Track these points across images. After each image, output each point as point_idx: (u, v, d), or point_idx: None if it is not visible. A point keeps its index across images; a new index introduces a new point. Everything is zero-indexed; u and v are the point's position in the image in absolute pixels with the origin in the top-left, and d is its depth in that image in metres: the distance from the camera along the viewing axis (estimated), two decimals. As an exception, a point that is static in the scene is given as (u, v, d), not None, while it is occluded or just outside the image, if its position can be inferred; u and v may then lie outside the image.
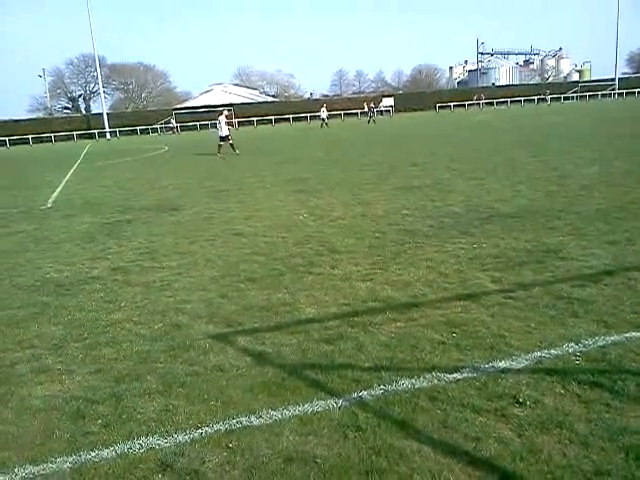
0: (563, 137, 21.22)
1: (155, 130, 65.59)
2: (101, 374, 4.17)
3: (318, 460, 2.97)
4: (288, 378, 3.86)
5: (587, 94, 74.85)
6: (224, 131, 24.44)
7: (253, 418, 3.40)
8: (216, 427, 3.34)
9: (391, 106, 71.08)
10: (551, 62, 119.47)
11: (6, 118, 67.04)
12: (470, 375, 3.71)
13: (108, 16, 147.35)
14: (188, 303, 5.59)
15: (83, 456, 3.16)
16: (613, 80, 77.42)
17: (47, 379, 4.15)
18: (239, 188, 13.83)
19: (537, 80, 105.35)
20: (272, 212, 10.25)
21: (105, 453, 3.17)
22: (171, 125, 66.29)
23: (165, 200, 12.83)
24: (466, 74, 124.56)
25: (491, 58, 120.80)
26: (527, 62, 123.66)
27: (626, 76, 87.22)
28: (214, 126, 41.56)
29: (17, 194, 16.36)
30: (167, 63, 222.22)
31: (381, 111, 66.96)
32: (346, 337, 4.48)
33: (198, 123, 64.87)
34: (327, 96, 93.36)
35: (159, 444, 3.22)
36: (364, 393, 3.59)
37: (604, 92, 75.03)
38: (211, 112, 61.43)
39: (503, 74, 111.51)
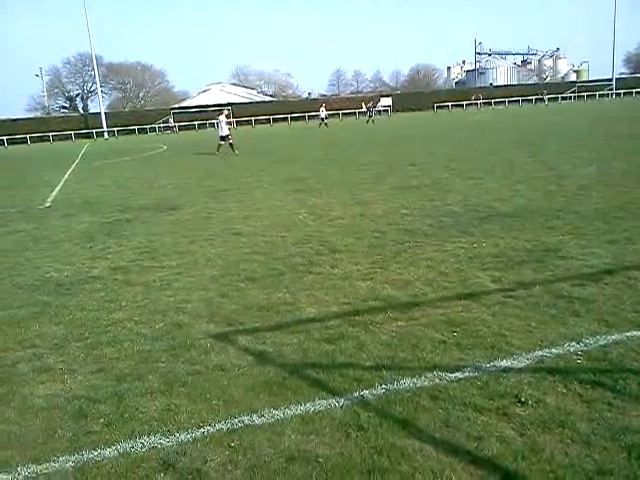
0: (561, 137, 21.25)
1: (153, 129, 65.45)
2: (103, 373, 4.16)
3: (320, 459, 2.97)
4: (289, 377, 3.86)
5: (585, 94, 74.99)
6: (224, 131, 24.46)
7: (255, 417, 3.40)
8: (218, 426, 3.34)
9: (389, 106, 71.14)
10: (549, 62, 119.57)
11: (4, 117, 66.94)
12: (471, 374, 3.72)
13: (105, 11, 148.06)
14: (189, 302, 5.59)
15: (85, 455, 3.16)
16: (610, 80, 77.63)
17: (49, 378, 4.15)
18: (238, 187, 13.83)
19: (535, 80, 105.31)
20: (271, 211, 10.25)
21: (107, 452, 3.17)
22: (170, 124, 66.19)
23: (164, 199, 12.82)
24: (464, 74, 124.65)
25: (489, 58, 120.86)
26: (525, 62, 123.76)
27: (623, 76, 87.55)
28: (212, 125, 41.55)
29: (15, 194, 16.33)
30: (164, 61, 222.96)
31: (379, 111, 66.95)
32: (347, 336, 4.48)
33: (196, 122, 64.78)
34: (325, 96, 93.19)
35: (161, 443, 3.22)
36: (366, 392, 3.59)
37: (601, 92, 75.16)
38: (209, 111, 61.56)
39: (501, 74, 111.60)
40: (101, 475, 2.99)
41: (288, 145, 29.47)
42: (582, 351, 3.92)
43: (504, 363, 3.84)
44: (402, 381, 3.69)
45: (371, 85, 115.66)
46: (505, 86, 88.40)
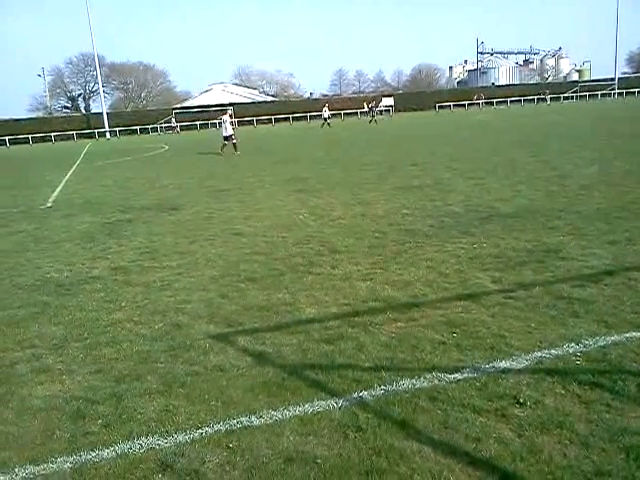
0: (563, 137, 21.22)
1: (155, 129, 65.51)
2: (101, 374, 4.17)
3: (318, 460, 2.97)
4: (288, 378, 3.86)
5: (587, 94, 74.86)
6: (228, 130, 24.50)
7: (253, 418, 3.40)
8: (216, 427, 3.34)
9: (391, 106, 71.06)
10: (551, 62, 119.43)
11: (6, 117, 66.99)
12: (470, 375, 3.72)
13: (107, 11, 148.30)
14: (188, 303, 5.59)
15: (83, 456, 3.16)
16: (613, 80, 77.39)
17: (47, 379, 4.15)
18: (239, 188, 13.84)
19: (537, 80, 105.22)
20: (272, 212, 10.25)
21: (105, 453, 3.17)
22: (172, 124, 66.21)
23: (165, 200, 12.83)
24: (466, 74, 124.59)
25: (491, 58, 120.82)
26: (527, 62, 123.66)
27: (626, 76, 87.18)
28: (214, 125, 41.56)
29: (17, 193, 16.36)
30: (166, 61, 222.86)
31: (381, 111, 66.92)
32: (346, 337, 4.48)
33: (198, 123, 64.82)
34: (327, 96, 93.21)
35: (159, 444, 3.22)
36: (364, 393, 3.59)
37: (604, 92, 75.01)
38: (211, 111, 61.60)
39: (503, 74, 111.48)
40: (99, 476, 2.99)
41: (290, 145, 29.47)
42: (581, 352, 3.91)
43: (503, 364, 3.84)
44: (401, 382, 3.69)
45: (373, 85, 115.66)
46: (507, 86, 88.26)
